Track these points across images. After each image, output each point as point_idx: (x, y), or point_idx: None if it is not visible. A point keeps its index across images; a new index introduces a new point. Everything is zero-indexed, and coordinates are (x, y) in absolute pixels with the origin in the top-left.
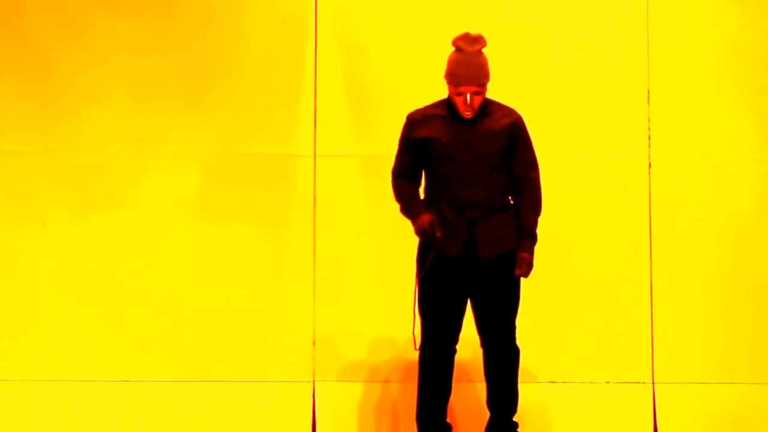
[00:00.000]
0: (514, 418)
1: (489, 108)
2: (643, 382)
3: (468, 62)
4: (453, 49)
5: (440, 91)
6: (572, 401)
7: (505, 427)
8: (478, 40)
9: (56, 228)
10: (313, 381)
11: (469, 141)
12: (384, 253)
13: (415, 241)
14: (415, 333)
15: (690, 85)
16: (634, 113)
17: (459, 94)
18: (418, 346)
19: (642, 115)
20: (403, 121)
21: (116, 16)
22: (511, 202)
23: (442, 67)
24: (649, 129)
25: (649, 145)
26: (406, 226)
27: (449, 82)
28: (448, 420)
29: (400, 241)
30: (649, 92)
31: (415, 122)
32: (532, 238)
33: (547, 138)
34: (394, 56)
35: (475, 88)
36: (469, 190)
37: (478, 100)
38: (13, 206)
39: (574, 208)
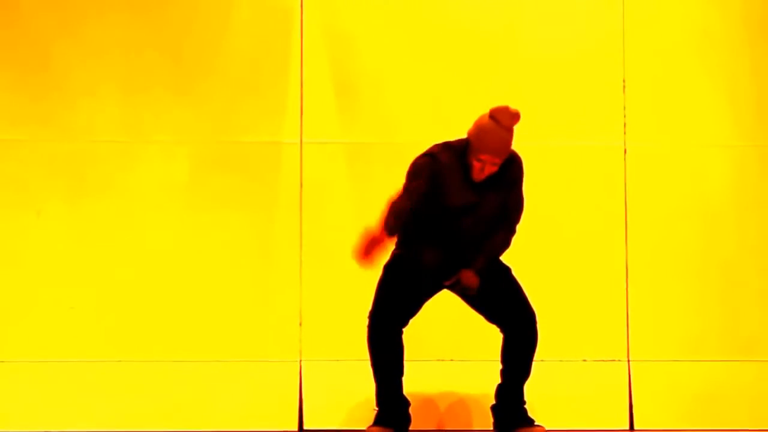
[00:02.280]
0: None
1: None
2: (619, 360)
3: (500, 136)
4: (487, 115)
5: (425, 81)
6: (549, 379)
7: (517, 401)
8: (515, 117)
9: (50, 215)
10: (300, 360)
11: (476, 209)
12: None
13: None
14: None
15: (664, 73)
16: (610, 101)
17: (478, 161)
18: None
19: (618, 102)
20: (387, 108)
21: (108, 9)
22: None
23: (427, 55)
24: (624, 116)
25: (625, 132)
26: None
27: (473, 146)
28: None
29: None
30: (624, 81)
31: (438, 170)
32: (492, 256)
33: (526, 125)
34: (378, 45)
35: (496, 160)
36: (454, 238)
37: (491, 170)
38: (8, 194)
39: (552, 192)
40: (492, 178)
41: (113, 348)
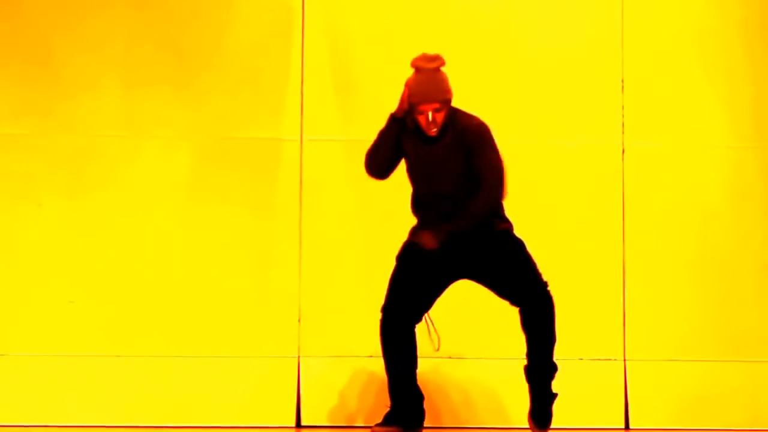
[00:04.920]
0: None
1: (453, 122)
2: (615, 359)
3: (426, 80)
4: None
5: None
6: None
7: (548, 369)
8: (435, 59)
9: (51, 208)
10: (298, 356)
11: (432, 161)
12: (368, 234)
13: (399, 223)
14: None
15: (663, 73)
16: (608, 101)
17: (420, 113)
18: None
19: (616, 103)
20: (386, 106)
21: (109, 4)
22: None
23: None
24: (622, 116)
25: (623, 132)
26: (390, 207)
27: (410, 103)
28: (435, 395)
29: (384, 223)
30: (623, 81)
31: (401, 134)
32: (473, 216)
33: (525, 125)
34: (378, 43)
35: (436, 105)
36: (438, 206)
37: (440, 117)
38: (10, 187)
39: (550, 191)
40: (447, 137)
41: (112, 343)
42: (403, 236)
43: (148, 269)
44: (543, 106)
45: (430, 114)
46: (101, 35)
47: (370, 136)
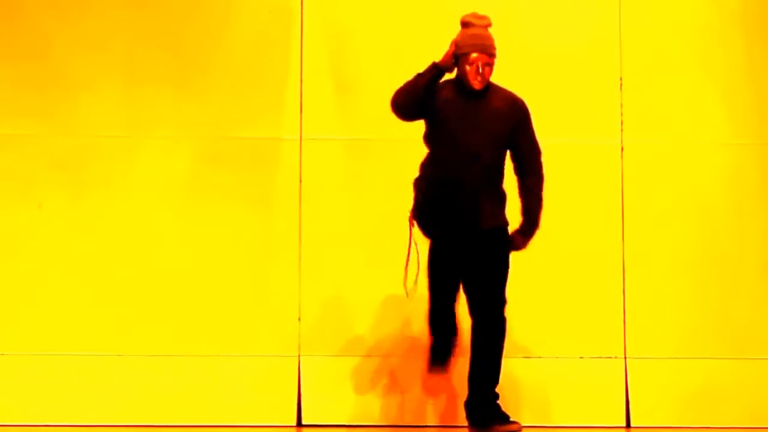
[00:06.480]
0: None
1: (494, 88)
2: (616, 357)
3: (479, 34)
4: (459, 29)
5: None
6: (547, 376)
7: (488, 396)
8: (485, 18)
9: (52, 208)
10: (299, 355)
11: (475, 118)
12: (367, 233)
13: (399, 222)
14: (407, 285)
15: (661, 72)
16: (607, 99)
17: (471, 64)
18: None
19: (615, 101)
20: (386, 105)
21: (109, 4)
22: (503, 188)
23: (425, 52)
24: (621, 114)
25: (622, 130)
26: (389, 206)
27: (461, 54)
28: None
29: (383, 221)
30: (621, 80)
31: (438, 94)
32: (536, 226)
33: None
34: (377, 42)
35: (486, 59)
36: (467, 170)
37: (488, 72)
38: (11, 187)
39: (549, 190)
40: (491, 100)
41: (112, 342)
42: (403, 236)
43: (148, 269)
44: (542, 104)
45: (479, 65)
46: (101, 35)
47: (369, 135)
